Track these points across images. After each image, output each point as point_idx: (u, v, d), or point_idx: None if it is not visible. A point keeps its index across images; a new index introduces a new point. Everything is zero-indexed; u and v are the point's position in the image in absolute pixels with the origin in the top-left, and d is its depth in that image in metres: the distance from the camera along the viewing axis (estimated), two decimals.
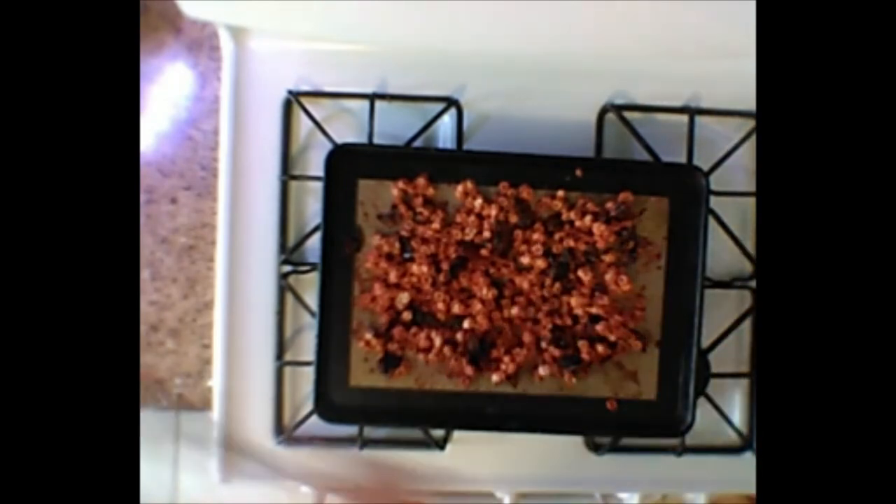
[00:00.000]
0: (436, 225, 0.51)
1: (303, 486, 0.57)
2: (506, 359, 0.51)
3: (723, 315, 0.57)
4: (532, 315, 0.51)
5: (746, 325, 0.57)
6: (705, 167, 0.53)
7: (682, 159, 0.55)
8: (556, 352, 0.51)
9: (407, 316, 0.51)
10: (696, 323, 0.52)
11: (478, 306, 0.51)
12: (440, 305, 0.51)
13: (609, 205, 0.52)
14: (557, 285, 0.51)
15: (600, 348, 0.51)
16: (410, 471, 0.55)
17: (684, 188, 0.52)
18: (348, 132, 0.55)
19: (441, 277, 0.51)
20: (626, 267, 0.52)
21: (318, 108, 0.55)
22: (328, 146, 0.52)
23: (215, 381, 0.55)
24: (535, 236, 0.51)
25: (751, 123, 0.56)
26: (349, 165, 0.51)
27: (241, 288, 0.55)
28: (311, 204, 0.56)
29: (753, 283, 0.57)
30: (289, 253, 0.55)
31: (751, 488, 0.56)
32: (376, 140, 0.54)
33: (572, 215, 0.51)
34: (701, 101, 0.57)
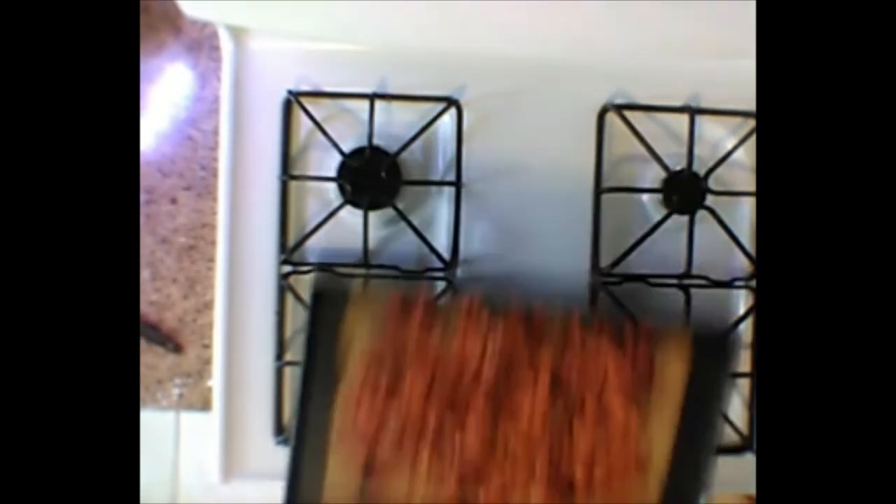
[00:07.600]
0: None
1: None
2: (495, 476, 0.47)
3: (723, 315, 0.57)
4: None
5: (746, 325, 0.57)
6: (705, 167, 0.53)
7: (682, 159, 0.55)
8: (550, 474, 0.47)
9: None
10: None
11: (472, 420, 0.47)
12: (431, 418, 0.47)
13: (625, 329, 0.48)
14: (560, 406, 0.47)
15: (598, 473, 0.47)
16: None
17: (707, 355, 0.48)
18: (348, 132, 0.55)
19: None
20: (635, 397, 0.48)
21: (318, 108, 0.55)
22: (328, 146, 0.52)
23: (215, 381, 0.55)
24: (541, 378, 0.47)
25: (751, 123, 0.56)
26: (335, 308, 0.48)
27: (241, 288, 0.55)
28: (311, 204, 0.56)
29: (753, 283, 0.57)
30: (289, 253, 0.55)
31: (751, 488, 0.56)
32: (376, 140, 0.54)
33: (584, 337, 0.48)
34: (701, 101, 0.57)
